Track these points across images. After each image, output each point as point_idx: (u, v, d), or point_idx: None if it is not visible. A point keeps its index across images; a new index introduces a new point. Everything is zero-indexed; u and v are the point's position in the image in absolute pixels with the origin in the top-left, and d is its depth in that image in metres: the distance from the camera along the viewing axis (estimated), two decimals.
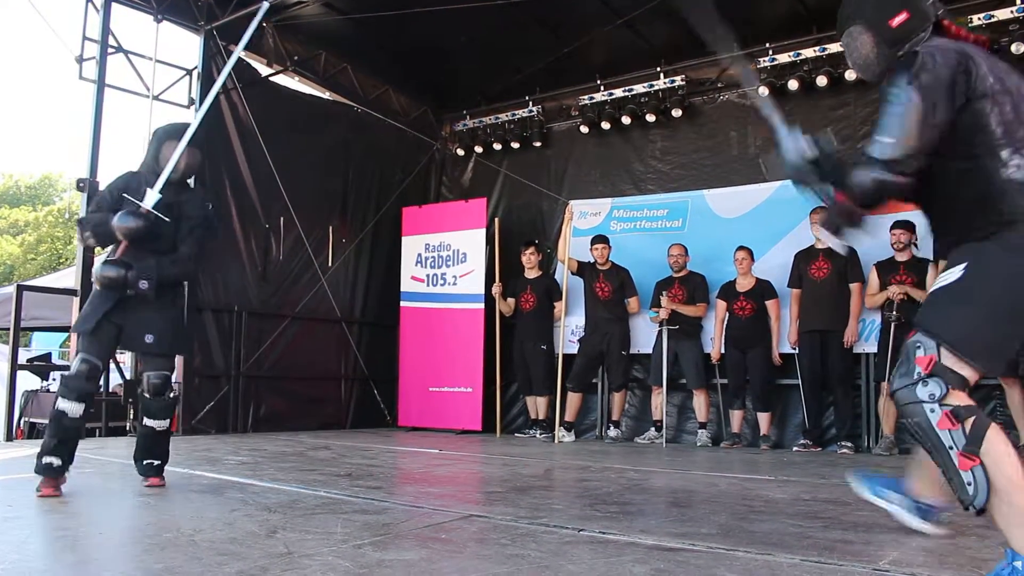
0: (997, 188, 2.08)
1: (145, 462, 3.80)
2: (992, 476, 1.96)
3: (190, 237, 3.73)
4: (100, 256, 4.47)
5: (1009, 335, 2.09)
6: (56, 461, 3.46)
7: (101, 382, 7.01)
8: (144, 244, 3.57)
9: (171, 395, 3.82)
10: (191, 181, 4.24)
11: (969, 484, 1.98)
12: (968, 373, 2.04)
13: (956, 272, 2.10)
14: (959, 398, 2.02)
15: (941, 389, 2.02)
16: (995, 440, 1.99)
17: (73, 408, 3.47)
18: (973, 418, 2.00)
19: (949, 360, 2.03)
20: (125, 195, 3.61)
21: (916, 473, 2.73)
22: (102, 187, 3.94)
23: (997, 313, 2.06)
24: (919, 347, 2.07)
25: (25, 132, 55.29)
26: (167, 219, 3.59)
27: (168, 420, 3.84)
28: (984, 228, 2.10)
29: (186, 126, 3.81)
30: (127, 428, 6.80)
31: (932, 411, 2.02)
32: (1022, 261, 2.05)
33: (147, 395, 3.76)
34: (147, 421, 3.78)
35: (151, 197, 3.56)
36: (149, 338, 3.64)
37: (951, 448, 2.00)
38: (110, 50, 6.74)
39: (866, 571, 2.23)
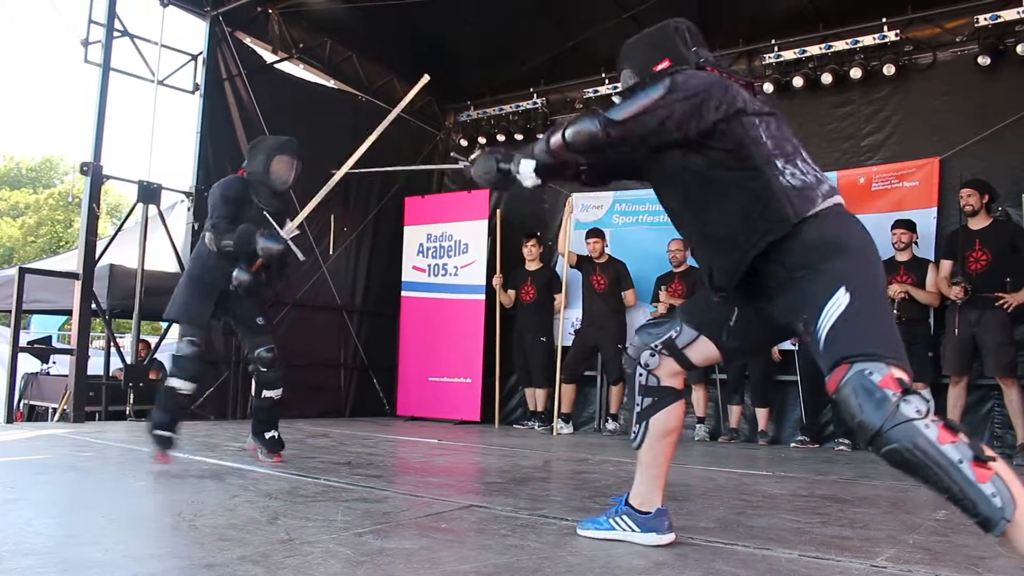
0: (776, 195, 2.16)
1: (268, 435, 4.24)
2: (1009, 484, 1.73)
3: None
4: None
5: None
6: (169, 434, 3.91)
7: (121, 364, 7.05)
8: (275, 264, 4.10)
9: (281, 366, 4.26)
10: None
11: (994, 496, 1.72)
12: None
13: (843, 296, 1.99)
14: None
15: (924, 403, 1.84)
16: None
17: (185, 386, 3.97)
18: (959, 427, 1.83)
19: (899, 372, 1.89)
20: (267, 215, 4.06)
21: (640, 481, 2.50)
22: (213, 189, 4.17)
23: (888, 309, 2.17)
24: (870, 373, 1.88)
25: (27, 114, 55.23)
26: (302, 257, 4.08)
27: (282, 389, 4.28)
28: (766, 232, 2.13)
29: (293, 140, 4.21)
30: (127, 412, 6.81)
31: (928, 427, 1.80)
32: (866, 261, 2.11)
33: (263, 369, 4.21)
34: (266, 393, 4.24)
35: (290, 228, 4.02)
36: (260, 320, 4.20)
37: (961, 462, 1.76)
38: (116, 34, 6.71)
39: (864, 567, 2.24)
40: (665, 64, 2.40)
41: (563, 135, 2.31)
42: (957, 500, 1.78)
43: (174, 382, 3.98)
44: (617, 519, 2.51)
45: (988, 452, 1.78)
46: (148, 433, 3.94)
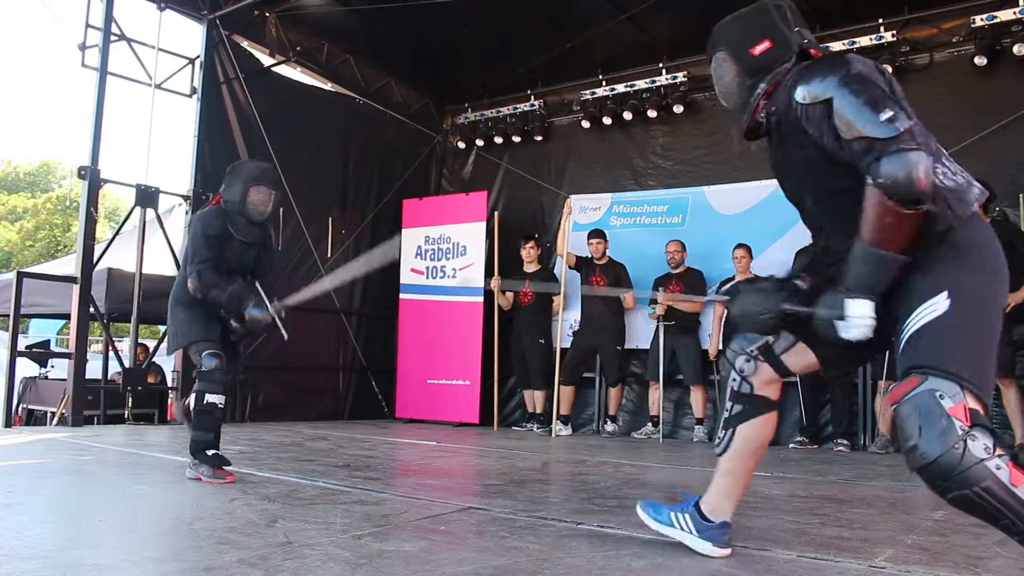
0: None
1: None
2: None
3: (269, 273, 4.19)
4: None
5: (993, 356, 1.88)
6: (217, 451, 3.81)
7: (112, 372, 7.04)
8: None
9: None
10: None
11: None
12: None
13: (942, 302, 1.82)
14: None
15: (990, 437, 1.68)
16: None
17: (222, 399, 3.83)
18: None
19: (974, 403, 1.73)
20: (260, 289, 3.95)
21: (716, 489, 2.40)
22: (194, 224, 4.02)
23: (993, 338, 1.87)
24: (941, 395, 1.71)
25: (25, 118, 55.22)
26: (286, 335, 3.96)
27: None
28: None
29: (271, 169, 4.11)
30: (125, 416, 6.81)
31: (999, 468, 1.65)
32: (988, 279, 1.89)
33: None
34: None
35: (279, 307, 3.90)
36: (240, 346, 4.17)
37: None
38: (113, 38, 6.72)
39: (862, 568, 2.24)
40: (765, 45, 2.18)
41: (915, 196, 1.77)
42: None
43: (211, 398, 3.79)
44: (680, 516, 2.41)
45: None
46: (195, 457, 3.72)
